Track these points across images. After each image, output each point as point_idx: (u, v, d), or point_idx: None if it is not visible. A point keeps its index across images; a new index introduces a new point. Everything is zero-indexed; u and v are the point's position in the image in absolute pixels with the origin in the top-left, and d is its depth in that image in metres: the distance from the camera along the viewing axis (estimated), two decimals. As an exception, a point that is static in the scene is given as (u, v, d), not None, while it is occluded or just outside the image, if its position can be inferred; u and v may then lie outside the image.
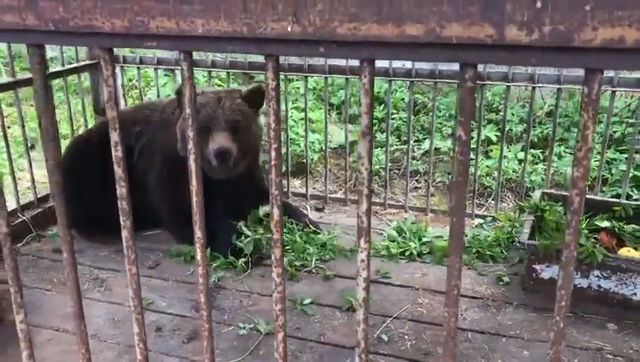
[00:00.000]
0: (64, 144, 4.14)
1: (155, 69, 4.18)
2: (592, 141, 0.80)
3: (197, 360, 2.54)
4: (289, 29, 0.85)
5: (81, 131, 4.19)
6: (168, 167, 3.34)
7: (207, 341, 1.16)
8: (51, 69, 3.82)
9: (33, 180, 3.73)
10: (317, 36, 0.84)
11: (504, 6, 0.75)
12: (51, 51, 5.44)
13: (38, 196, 3.78)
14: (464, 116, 0.84)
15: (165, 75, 5.28)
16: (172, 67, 4.15)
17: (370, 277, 1.02)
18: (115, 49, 1.06)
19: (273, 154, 0.97)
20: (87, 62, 4.07)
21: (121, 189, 1.08)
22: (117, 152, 1.05)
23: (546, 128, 4.88)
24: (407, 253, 3.36)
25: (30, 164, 3.73)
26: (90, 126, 4.10)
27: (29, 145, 4.56)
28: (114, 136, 1.04)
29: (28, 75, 3.67)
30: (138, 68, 4.19)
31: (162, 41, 0.94)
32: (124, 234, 1.12)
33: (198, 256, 1.10)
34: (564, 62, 0.77)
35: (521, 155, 4.58)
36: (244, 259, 3.22)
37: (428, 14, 0.78)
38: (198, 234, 1.08)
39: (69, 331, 2.72)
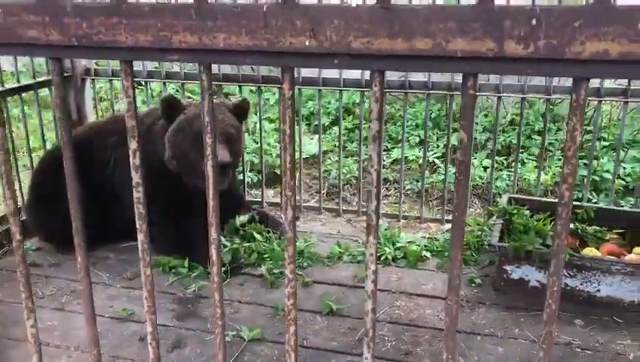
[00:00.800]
0: (35, 156, 4.11)
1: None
2: (579, 140, 0.91)
3: (183, 368, 2.57)
4: (307, 43, 0.93)
5: (50, 144, 4.16)
6: (152, 179, 3.34)
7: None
8: (22, 82, 3.80)
9: (4, 193, 3.68)
10: (332, 50, 0.93)
11: (503, 23, 0.85)
12: (10, 66, 5.36)
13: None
14: (466, 120, 0.93)
15: (135, 87, 5.27)
16: (143, 79, 4.17)
17: (377, 270, 1.10)
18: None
19: (288, 158, 1.04)
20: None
21: (138, 194, 1.14)
22: (135, 160, 1.11)
23: (509, 136, 5.08)
24: (382, 258, 3.46)
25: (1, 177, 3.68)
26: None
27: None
28: (132, 145, 1.10)
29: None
30: (110, 80, 4.19)
31: (184, 54, 1.01)
32: (140, 237, 1.17)
33: (214, 257, 1.16)
34: (556, 73, 0.87)
35: (486, 162, 4.76)
36: (223, 269, 3.26)
37: (435, 30, 0.87)
38: (214, 235, 1.14)
39: (50, 344, 2.71)
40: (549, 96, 3.57)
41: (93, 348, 1.30)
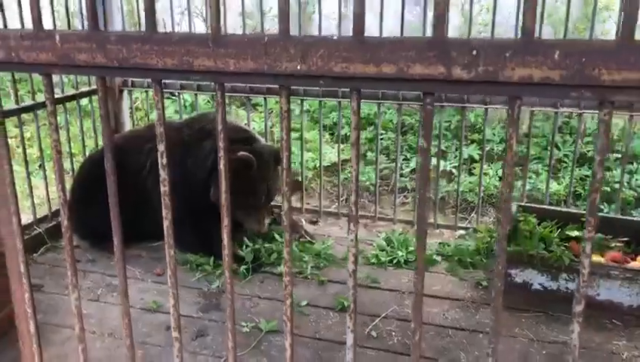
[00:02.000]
0: (76, 162, 4.44)
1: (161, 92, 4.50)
2: (516, 148, 1.12)
3: (204, 354, 2.82)
4: (298, 67, 1.16)
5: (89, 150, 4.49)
6: (187, 188, 3.60)
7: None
8: (66, 93, 4.14)
9: (48, 196, 4.01)
10: (318, 72, 1.16)
11: (451, 53, 1.07)
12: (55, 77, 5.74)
13: (52, 210, 4.06)
14: (426, 130, 1.16)
15: (167, 97, 5.61)
16: (177, 90, 4.48)
17: (358, 252, 1.32)
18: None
19: (285, 161, 1.28)
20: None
21: (164, 188, 1.39)
22: (163, 160, 1.36)
23: (525, 147, 5.22)
24: (394, 261, 3.67)
25: (45, 181, 4.01)
26: (100, 145, 4.40)
27: (39, 164, 4.86)
28: (161, 147, 1.35)
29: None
30: (146, 91, 4.51)
31: (202, 75, 1.25)
32: (166, 223, 1.42)
33: (225, 240, 1.39)
34: (493, 92, 1.09)
35: (501, 173, 4.92)
36: (245, 267, 3.51)
37: (398, 58, 1.10)
38: (225, 222, 1.37)
39: (86, 330, 2.98)
40: (556, 110, 3.73)
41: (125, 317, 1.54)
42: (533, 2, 1.02)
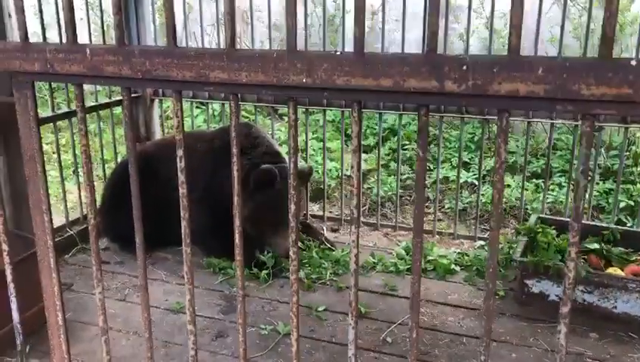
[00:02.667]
0: (108, 168, 4.62)
1: (191, 101, 4.66)
2: (505, 156, 1.19)
3: (224, 354, 2.92)
4: (304, 80, 1.26)
5: (120, 156, 4.67)
6: (208, 199, 3.71)
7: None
8: (100, 101, 4.32)
9: (81, 200, 4.19)
10: (322, 85, 1.26)
11: (443, 68, 1.16)
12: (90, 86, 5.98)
13: (84, 213, 4.23)
14: (421, 139, 1.24)
15: (197, 107, 5.78)
16: (206, 100, 4.63)
17: (359, 254, 1.40)
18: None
19: (292, 165, 1.38)
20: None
21: (182, 190, 1.50)
22: (181, 163, 1.47)
23: (550, 160, 5.23)
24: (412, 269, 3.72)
25: (78, 185, 4.19)
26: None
27: (72, 169, 5.06)
28: (179, 152, 1.46)
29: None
30: (175, 101, 4.67)
31: (217, 86, 1.36)
32: (183, 224, 1.53)
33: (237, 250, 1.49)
34: (483, 105, 1.17)
35: (525, 185, 4.93)
36: (266, 271, 3.62)
37: (395, 72, 1.19)
38: (237, 223, 1.47)
39: (112, 328, 3.12)
40: (576, 122, 3.75)
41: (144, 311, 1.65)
42: (518, 21, 1.09)
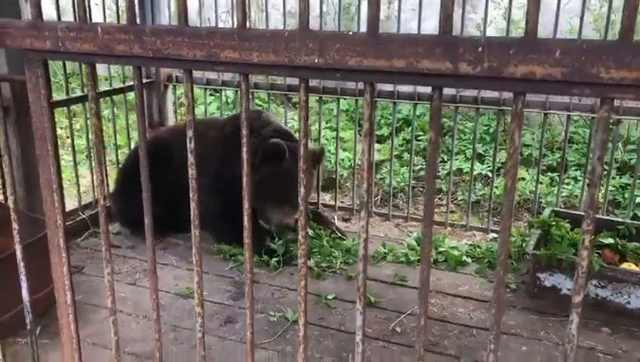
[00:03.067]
0: (121, 153, 4.64)
1: (205, 88, 4.66)
2: (518, 143, 1.16)
3: (232, 339, 2.92)
4: (316, 60, 1.24)
5: (134, 142, 4.68)
6: (218, 186, 3.71)
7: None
8: (114, 86, 4.33)
9: (93, 184, 4.21)
10: (334, 66, 1.23)
11: (458, 49, 1.13)
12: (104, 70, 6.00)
13: (97, 198, 4.25)
14: (434, 123, 1.22)
15: (211, 94, 5.78)
16: (219, 87, 4.63)
17: (368, 238, 1.39)
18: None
19: (302, 148, 1.36)
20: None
21: (192, 171, 1.49)
22: (191, 145, 1.46)
23: (566, 153, 5.16)
24: (423, 260, 3.70)
25: (91, 169, 4.21)
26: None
27: (86, 154, 5.09)
28: (189, 133, 1.45)
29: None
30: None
31: (228, 66, 1.35)
32: (192, 205, 1.52)
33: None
34: (498, 88, 1.14)
35: (540, 178, 4.87)
36: (276, 259, 3.61)
37: (408, 53, 1.17)
38: (246, 205, 1.46)
39: (122, 311, 3.14)
40: (593, 115, 3.70)
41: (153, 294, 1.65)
42: (536, 5, 1.06)
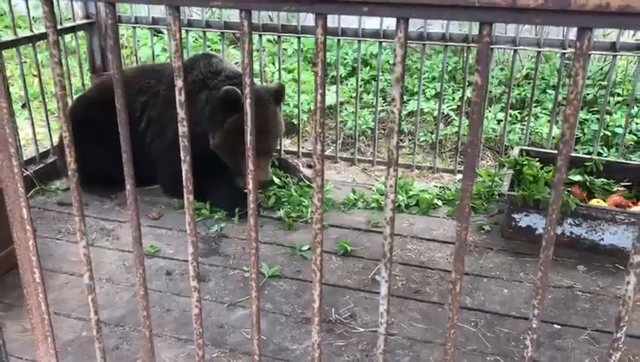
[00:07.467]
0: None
1: (151, 29, 4.28)
2: (582, 83, 1.02)
3: (207, 299, 2.76)
4: (339, -8, 1.03)
5: (74, 90, 4.29)
6: (177, 147, 3.42)
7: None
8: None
9: (35, 137, 3.84)
10: (362, -2, 1.03)
11: (517, -24, 0.95)
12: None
13: (40, 152, 3.90)
14: (481, 65, 1.05)
15: (155, 35, 5.35)
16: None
17: (396, 199, 1.23)
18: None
19: (319, 98, 1.16)
20: (84, 21, 4.15)
21: (183, 128, 1.27)
22: (180, 97, 1.24)
23: (524, 90, 5.13)
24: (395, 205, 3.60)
25: (32, 120, 3.83)
26: (87, 85, 4.19)
27: (22, 103, 4.66)
28: (178, 83, 1.23)
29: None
30: (133, 27, 4.28)
31: (226, 1, 1.12)
32: (185, 167, 1.31)
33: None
34: (562, 22, 0.98)
35: (500, 116, 4.83)
36: (241, 211, 3.43)
37: (456, -18, 0.98)
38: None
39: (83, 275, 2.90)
40: (564, 50, 3.62)
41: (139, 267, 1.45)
42: None
